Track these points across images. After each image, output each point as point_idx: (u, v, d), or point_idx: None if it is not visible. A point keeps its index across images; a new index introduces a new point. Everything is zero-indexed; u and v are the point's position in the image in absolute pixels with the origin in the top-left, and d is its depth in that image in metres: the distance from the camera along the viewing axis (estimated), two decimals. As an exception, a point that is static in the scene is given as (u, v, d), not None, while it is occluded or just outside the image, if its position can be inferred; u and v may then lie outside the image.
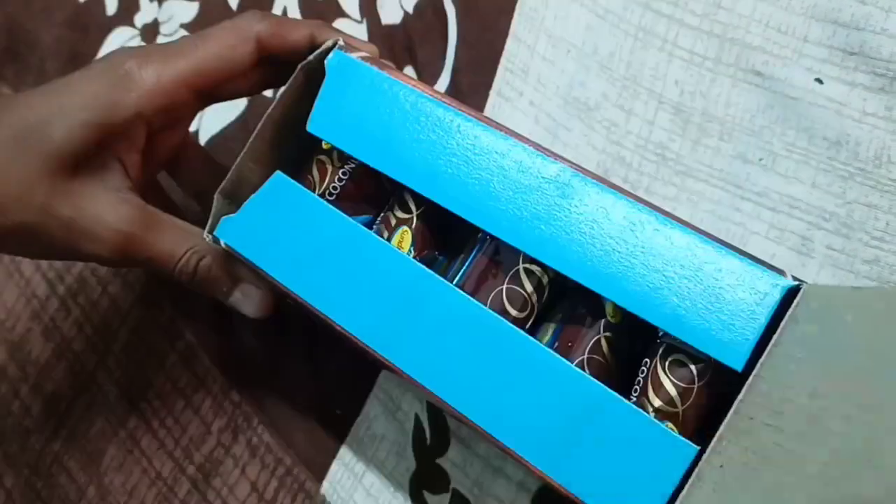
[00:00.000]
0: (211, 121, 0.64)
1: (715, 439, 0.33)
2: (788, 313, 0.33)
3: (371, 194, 0.44)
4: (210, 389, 0.59)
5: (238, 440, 0.57)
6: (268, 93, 0.61)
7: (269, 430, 0.56)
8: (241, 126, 0.63)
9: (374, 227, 0.43)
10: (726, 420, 0.33)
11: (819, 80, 0.45)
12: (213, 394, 0.58)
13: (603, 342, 0.38)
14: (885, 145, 0.43)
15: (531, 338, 0.37)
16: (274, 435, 0.56)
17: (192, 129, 0.64)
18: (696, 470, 0.33)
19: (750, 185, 0.46)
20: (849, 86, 0.44)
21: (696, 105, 0.48)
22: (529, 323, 0.40)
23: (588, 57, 0.51)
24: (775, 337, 0.32)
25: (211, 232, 0.43)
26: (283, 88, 0.43)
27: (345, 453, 0.54)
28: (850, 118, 0.44)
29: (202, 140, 0.64)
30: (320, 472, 0.54)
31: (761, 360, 0.32)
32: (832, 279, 0.43)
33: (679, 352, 0.36)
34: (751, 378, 0.33)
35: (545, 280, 0.40)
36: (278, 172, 0.43)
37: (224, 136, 0.63)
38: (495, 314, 0.37)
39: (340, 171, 0.43)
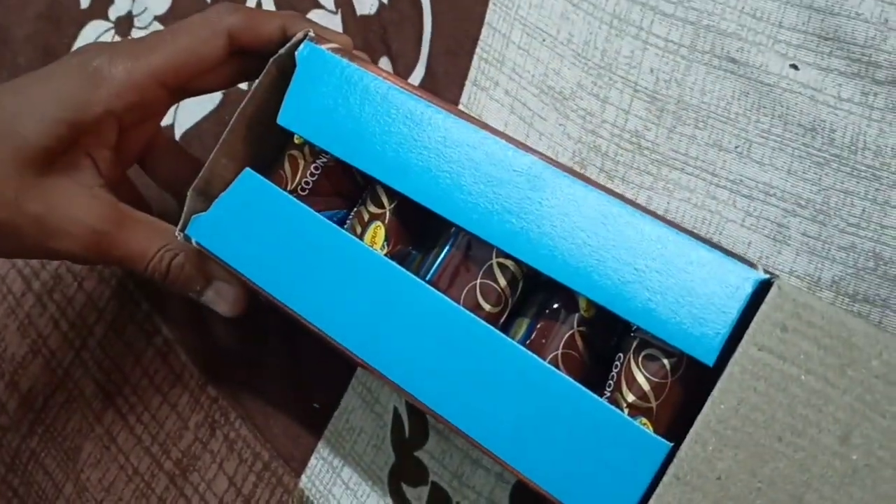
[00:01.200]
0: (185, 115, 0.63)
1: (690, 439, 0.32)
2: (761, 309, 0.32)
3: (344, 189, 0.43)
4: (187, 385, 0.58)
5: (215, 435, 0.56)
6: (243, 85, 0.61)
7: (246, 425, 0.56)
8: (215, 119, 0.62)
9: (348, 222, 0.43)
10: (700, 418, 0.32)
11: (794, 66, 0.45)
12: (189, 389, 0.58)
13: (577, 337, 0.38)
14: (860, 131, 0.43)
15: (504, 335, 0.36)
16: (251, 429, 0.55)
17: (166, 122, 0.63)
18: (673, 471, 0.32)
19: (725, 172, 0.45)
20: (824, 71, 0.44)
21: (672, 93, 0.47)
22: (503, 318, 0.39)
23: (563, 45, 0.50)
24: (748, 334, 0.32)
25: (182, 230, 0.43)
26: (255, 83, 0.43)
27: (323, 447, 0.53)
28: (826, 104, 0.44)
29: (177, 134, 0.63)
30: (298, 467, 0.54)
31: (734, 357, 0.32)
32: (808, 266, 0.43)
33: (652, 346, 0.36)
34: (724, 375, 0.32)
35: (519, 274, 0.39)
36: (247, 169, 0.42)
37: (199, 130, 0.63)
38: (468, 312, 0.37)
39: (312, 165, 0.42)
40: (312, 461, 0.53)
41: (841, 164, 0.43)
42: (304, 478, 0.53)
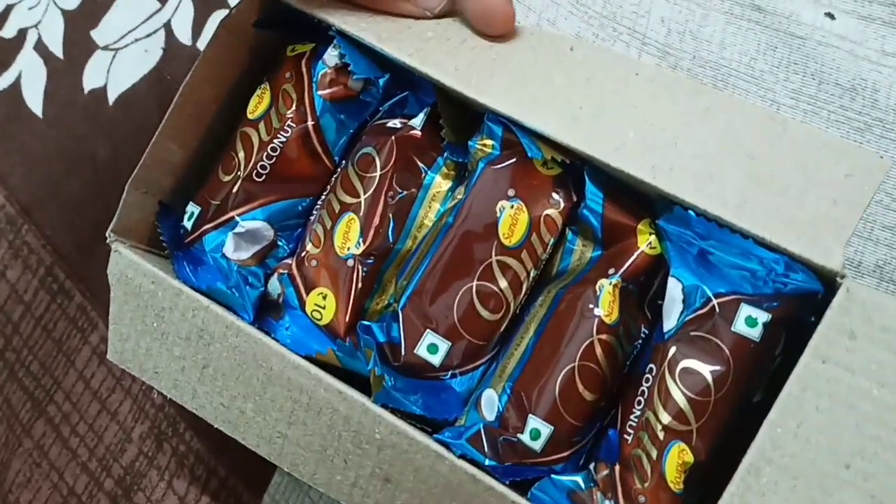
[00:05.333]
0: (120, 74, 0.58)
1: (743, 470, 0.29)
2: (826, 316, 0.29)
3: (308, 172, 0.39)
4: (129, 390, 0.53)
5: (163, 448, 0.52)
6: (186, 40, 0.56)
7: (198, 436, 0.52)
8: (155, 78, 0.57)
9: (315, 213, 0.39)
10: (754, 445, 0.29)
11: (830, 15, 0.41)
12: (132, 395, 0.53)
13: (597, 346, 0.34)
14: (907, 91, 0.40)
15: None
16: (204, 441, 0.52)
17: (97, 84, 0.58)
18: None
19: (750, 140, 0.42)
20: (864, 21, 0.41)
21: (686, 47, 0.43)
22: (503, 327, 0.36)
23: (557, -9, 0.47)
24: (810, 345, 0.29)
25: (115, 230, 0.39)
26: (203, 50, 0.38)
27: (288, 460, 0.49)
28: (867, 60, 0.41)
29: (111, 97, 0.58)
30: (260, 483, 0.50)
31: (794, 372, 0.29)
32: (847, 249, 0.39)
33: (691, 356, 0.32)
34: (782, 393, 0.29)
35: (523, 275, 0.35)
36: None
37: (136, 92, 0.57)
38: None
39: (269, 146, 0.38)
40: (276, 477, 0.49)
41: (885, 130, 0.40)
42: (266, 497, 0.50)
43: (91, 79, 0.58)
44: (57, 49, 0.59)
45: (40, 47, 0.60)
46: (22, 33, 0.61)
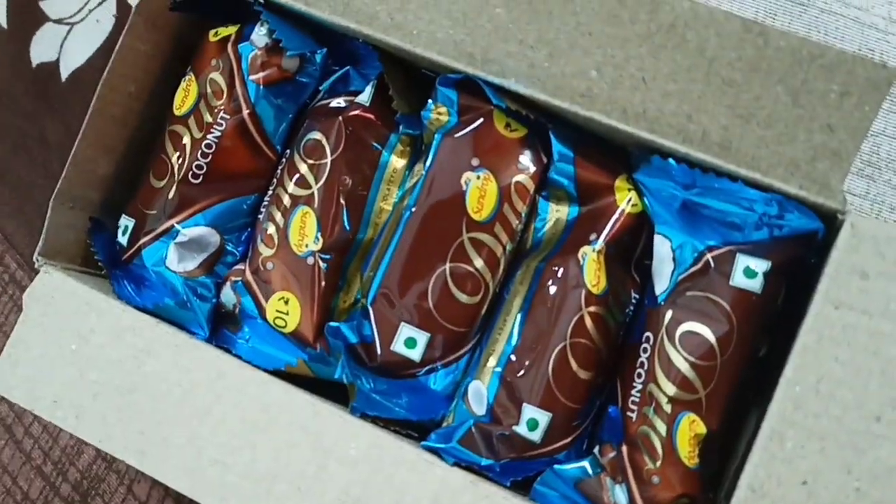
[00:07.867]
0: (74, 49, 0.55)
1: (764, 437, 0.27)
2: (831, 257, 0.28)
3: (250, 166, 0.37)
4: None
5: None
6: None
7: None
8: (109, 52, 0.53)
9: (263, 211, 0.36)
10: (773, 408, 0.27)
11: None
12: None
13: (587, 320, 0.32)
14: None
15: None
16: None
17: (49, 58, 0.56)
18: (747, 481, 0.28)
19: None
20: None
21: None
22: (484, 310, 0.34)
23: None
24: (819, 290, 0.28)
25: (43, 253, 0.36)
26: (119, 42, 0.37)
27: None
28: (874, 28, 0.40)
29: (63, 75, 0.55)
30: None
31: (805, 323, 0.27)
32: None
33: (693, 317, 0.30)
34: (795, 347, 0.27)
35: (498, 251, 0.33)
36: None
37: (91, 67, 0.55)
38: None
39: (203, 143, 0.36)
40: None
41: (893, 104, 0.39)
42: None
43: (40, 52, 0.56)
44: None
45: (-19, 14, 0.57)
46: (-43, -1, 0.58)
